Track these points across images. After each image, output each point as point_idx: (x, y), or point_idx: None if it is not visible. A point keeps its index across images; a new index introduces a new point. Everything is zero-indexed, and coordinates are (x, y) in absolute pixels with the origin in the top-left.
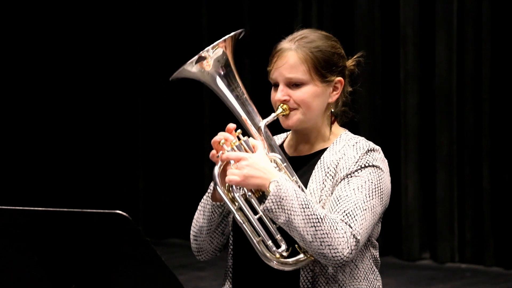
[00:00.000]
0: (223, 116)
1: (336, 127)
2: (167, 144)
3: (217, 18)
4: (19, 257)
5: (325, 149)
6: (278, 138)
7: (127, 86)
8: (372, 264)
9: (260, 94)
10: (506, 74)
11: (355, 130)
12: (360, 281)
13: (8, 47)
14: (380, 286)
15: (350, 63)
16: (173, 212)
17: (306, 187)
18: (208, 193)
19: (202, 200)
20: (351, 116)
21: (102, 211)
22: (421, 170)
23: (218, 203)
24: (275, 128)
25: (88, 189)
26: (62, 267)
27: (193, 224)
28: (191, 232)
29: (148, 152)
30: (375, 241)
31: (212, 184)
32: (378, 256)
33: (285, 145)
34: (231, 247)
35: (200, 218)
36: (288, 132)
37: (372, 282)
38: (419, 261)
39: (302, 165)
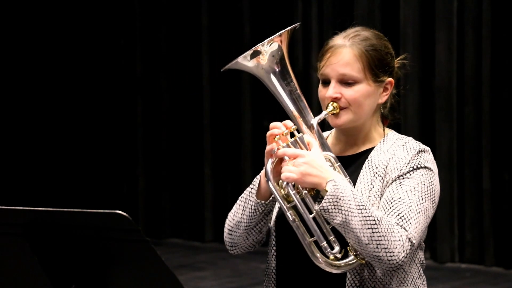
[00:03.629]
0: (223, 116)
1: (382, 126)
2: (167, 144)
3: (217, 18)
4: (19, 257)
5: (371, 149)
6: None
7: (127, 86)
8: (419, 267)
9: (261, 93)
10: (506, 74)
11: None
12: (407, 285)
13: (8, 47)
14: None
15: (396, 64)
16: (173, 212)
17: (354, 187)
18: (252, 188)
19: (243, 195)
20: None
21: (102, 211)
22: None
23: (263, 202)
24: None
25: (88, 189)
26: (62, 267)
27: (229, 217)
28: (226, 225)
29: (148, 152)
30: (422, 242)
31: (256, 179)
32: (423, 257)
33: (328, 143)
34: (274, 248)
35: (238, 213)
36: (331, 130)
37: (419, 287)
38: None
39: (348, 165)
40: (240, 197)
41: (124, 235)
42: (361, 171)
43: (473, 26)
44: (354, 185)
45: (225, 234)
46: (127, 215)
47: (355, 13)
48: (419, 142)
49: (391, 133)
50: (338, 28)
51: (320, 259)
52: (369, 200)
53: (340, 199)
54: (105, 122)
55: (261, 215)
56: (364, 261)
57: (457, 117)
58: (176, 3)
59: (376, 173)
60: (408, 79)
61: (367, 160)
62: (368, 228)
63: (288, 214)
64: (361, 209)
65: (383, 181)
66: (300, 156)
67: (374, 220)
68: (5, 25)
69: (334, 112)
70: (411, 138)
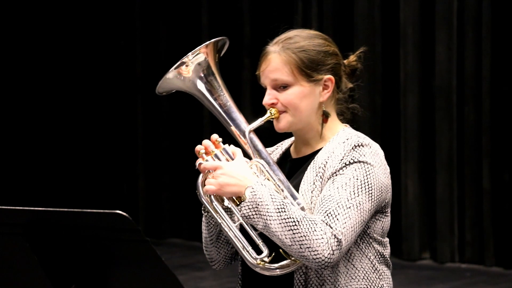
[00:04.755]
0: None
1: (336, 124)
2: (167, 144)
3: (217, 18)
4: (19, 257)
5: (321, 149)
6: (287, 142)
7: (127, 85)
8: (375, 262)
9: (260, 94)
10: (506, 74)
11: (355, 127)
12: (359, 280)
13: (8, 47)
14: (386, 285)
15: (352, 59)
16: (173, 212)
17: (298, 189)
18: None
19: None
20: (356, 112)
21: (102, 211)
22: (421, 170)
23: (209, 214)
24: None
25: (88, 189)
26: (62, 267)
27: (202, 235)
28: (203, 243)
29: (148, 151)
30: (380, 237)
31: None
32: (386, 253)
33: (291, 148)
34: None
35: (203, 229)
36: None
37: (374, 282)
38: (419, 261)
39: (299, 166)
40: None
41: (124, 235)
42: (306, 172)
43: (473, 26)
44: (299, 186)
45: (204, 251)
46: (127, 215)
47: (355, 13)
48: (362, 137)
49: (342, 131)
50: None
51: (253, 263)
52: (312, 201)
53: (258, 204)
54: (105, 122)
55: (216, 227)
56: (298, 261)
57: (457, 117)
58: (176, 3)
59: (318, 172)
60: (408, 79)
61: (313, 160)
62: (289, 230)
63: (220, 224)
64: (279, 212)
65: (322, 179)
66: (217, 167)
67: (293, 220)
68: (5, 25)
69: (273, 117)
70: (358, 133)
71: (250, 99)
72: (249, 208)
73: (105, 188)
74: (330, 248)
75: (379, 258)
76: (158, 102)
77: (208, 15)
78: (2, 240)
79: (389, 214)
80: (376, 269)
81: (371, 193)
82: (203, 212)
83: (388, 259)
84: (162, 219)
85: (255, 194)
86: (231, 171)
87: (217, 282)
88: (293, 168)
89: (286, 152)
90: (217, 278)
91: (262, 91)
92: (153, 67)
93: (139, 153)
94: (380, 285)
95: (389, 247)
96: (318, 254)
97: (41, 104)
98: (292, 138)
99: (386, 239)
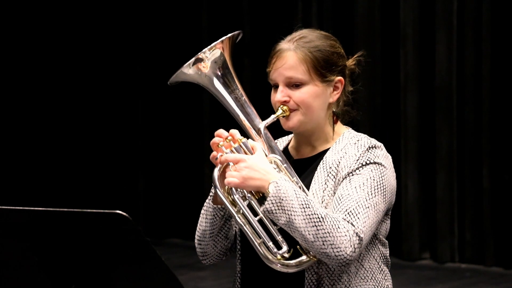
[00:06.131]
0: (223, 116)
1: (339, 126)
2: (167, 144)
3: (217, 18)
4: (19, 257)
5: (327, 150)
6: (283, 141)
7: (127, 86)
8: (381, 263)
9: (260, 94)
10: (506, 74)
11: (355, 130)
12: (367, 281)
13: (8, 48)
14: (390, 286)
15: (350, 62)
16: (173, 212)
17: (308, 189)
18: (210, 196)
19: (204, 204)
20: (354, 115)
21: (102, 211)
22: (421, 170)
23: (219, 206)
24: (279, 130)
25: (88, 189)
26: (62, 267)
27: (197, 228)
28: (195, 236)
29: (148, 152)
30: (383, 239)
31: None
32: (388, 254)
33: (289, 148)
34: (239, 252)
35: (203, 222)
36: (292, 135)
37: (380, 282)
38: (419, 261)
39: (306, 167)
40: (203, 207)
41: (124, 235)
42: (316, 172)
43: (473, 26)
44: (309, 186)
45: (196, 245)
46: (127, 215)
47: (355, 13)
48: (372, 139)
49: (347, 132)
50: (288, 32)
51: (271, 260)
52: (323, 200)
53: (282, 199)
54: (105, 122)
55: (221, 220)
56: (316, 259)
57: (457, 117)
58: (176, 3)
59: (330, 172)
60: (408, 79)
61: (322, 161)
62: (313, 226)
63: (236, 218)
64: (304, 208)
65: (335, 179)
66: (241, 160)
67: (318, 217)
68: (5, 25)
69: (284, 115)
70: (366, 135)
71: (250, 99)
72: (272, 203)
73: (105, 188)
74: (353, 246)
75: (383, 259)
76: (158, 102)
77: (208, 15)
78: (2, 240)
79: (389, 216)
80: (382, 270)
81: (385, 195)
82: (209, 205)
83: (389, 260)
84: (162, 219)
85: (280, 189)
86: (255, 164)
87: (217, 282)
88: (296, 169)
89: (285, 152)
90: (217, 278)
91: (262, 90)
92: (153, 67)
93: (139, 153)
94: (385, 286)
95: (388, 249)
96: (341, 251)
97: (41, 104)
98: (286, 138)
99: (386, 241)
